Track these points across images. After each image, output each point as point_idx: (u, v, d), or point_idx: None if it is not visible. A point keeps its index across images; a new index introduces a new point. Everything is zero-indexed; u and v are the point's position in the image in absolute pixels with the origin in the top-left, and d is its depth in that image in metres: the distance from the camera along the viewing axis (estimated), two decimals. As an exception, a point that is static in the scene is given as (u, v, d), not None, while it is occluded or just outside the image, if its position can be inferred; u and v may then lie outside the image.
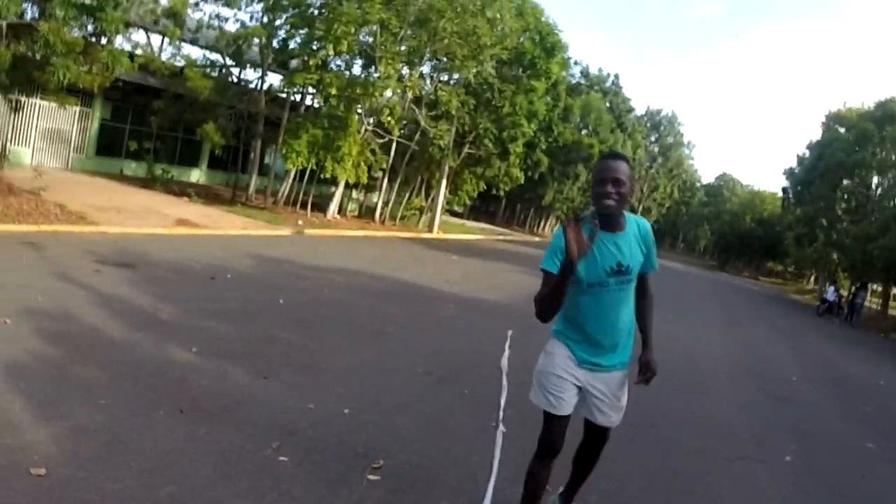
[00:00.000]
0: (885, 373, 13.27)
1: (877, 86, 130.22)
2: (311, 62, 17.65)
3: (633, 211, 60.82)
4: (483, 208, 47.41)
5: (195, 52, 22.35)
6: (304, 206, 20.24)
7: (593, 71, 49.97)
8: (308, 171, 19.64)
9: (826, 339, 18.05)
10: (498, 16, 20.35)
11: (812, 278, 55.76)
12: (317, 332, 6.66)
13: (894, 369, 14.42)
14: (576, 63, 47.02)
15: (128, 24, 14.40)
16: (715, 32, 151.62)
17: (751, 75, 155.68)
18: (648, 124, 64.26)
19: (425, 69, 21.95)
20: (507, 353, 4.83)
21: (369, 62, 19.12)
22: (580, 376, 2.90)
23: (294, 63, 20.11)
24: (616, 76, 51.75)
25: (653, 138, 66.09)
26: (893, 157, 32.06)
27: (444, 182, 26.11)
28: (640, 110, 60.71)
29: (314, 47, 17.88)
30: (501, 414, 4.30)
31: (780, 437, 6.28)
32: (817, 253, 39.75)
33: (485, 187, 30.39)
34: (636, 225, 2.90)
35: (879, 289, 35.58)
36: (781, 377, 10.04)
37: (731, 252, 72.57)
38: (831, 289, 31.52)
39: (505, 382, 4.56)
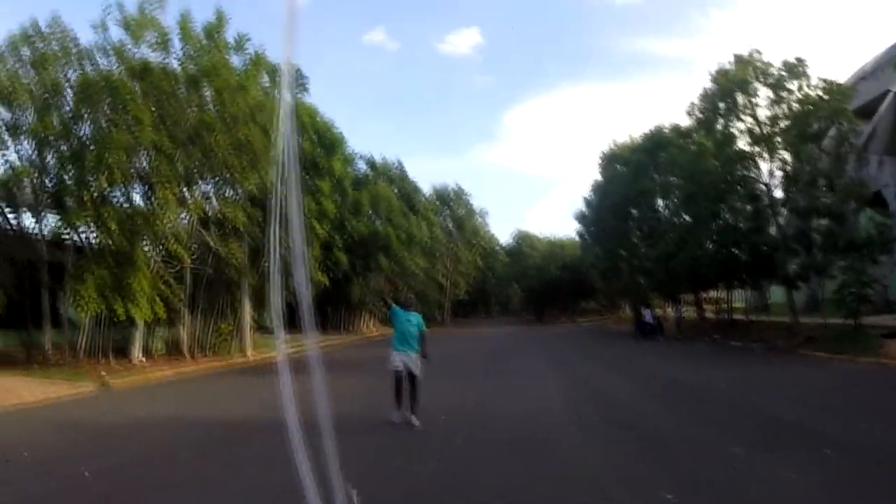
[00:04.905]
0: (720, 376, 15.29)
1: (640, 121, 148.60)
2: (85, 198, 16.78)
3: (442, 288, 63.60)
4: (293, 318, 46.48)
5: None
6: (105, 353, 18.76)
7: (377, 160, 52.59)
8: (105, 316, 18.21)
9: (659, 359, 20.10)
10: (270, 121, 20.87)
11: (627, 306, 59.72)
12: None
13: (723, 371, 16.65)
14: (360, 157, 49.08)
15: None
16: (483, 104, 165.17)
17: (525, 138, 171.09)
18: (438, 202, 68.11)
19: (207, 188, 21.79)
20: None
21: (150, 189, 18.61)
22: (401, 357, 9.47)
23: (70, 201, 18.55)
24: (400, 161, 54.92)
25: (445, 213, 69.94)
26: (672, 179, 35.04)
27: (246, 302, 25.58)
28: (426, 189, 64.25)
29: (88, 181, 16.96)
30: None
31: (652, 477, 6.38)
32: (623, 283, 43.92)
33: (292, 297, 30.02)
34: (416, 314, 9.90)
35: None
36: (633, 410, 10.79)
37: (545, 303, 77.29)
38: (647, 312, 34.25)
39: None
